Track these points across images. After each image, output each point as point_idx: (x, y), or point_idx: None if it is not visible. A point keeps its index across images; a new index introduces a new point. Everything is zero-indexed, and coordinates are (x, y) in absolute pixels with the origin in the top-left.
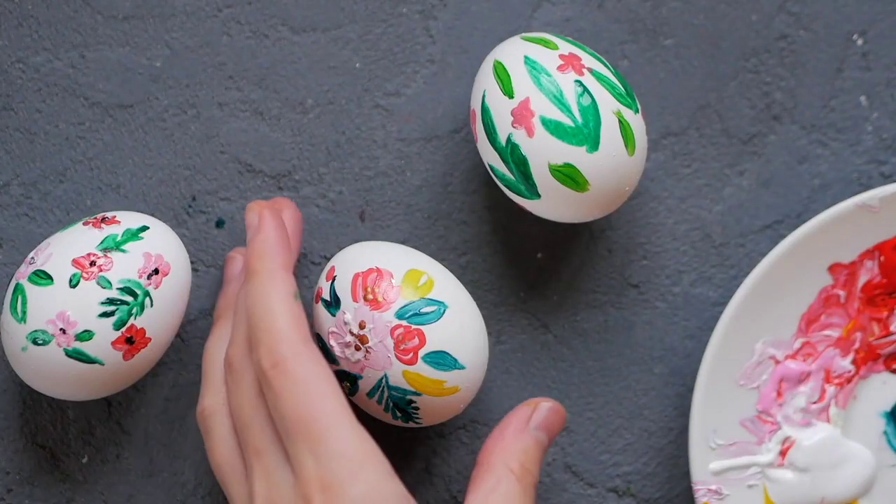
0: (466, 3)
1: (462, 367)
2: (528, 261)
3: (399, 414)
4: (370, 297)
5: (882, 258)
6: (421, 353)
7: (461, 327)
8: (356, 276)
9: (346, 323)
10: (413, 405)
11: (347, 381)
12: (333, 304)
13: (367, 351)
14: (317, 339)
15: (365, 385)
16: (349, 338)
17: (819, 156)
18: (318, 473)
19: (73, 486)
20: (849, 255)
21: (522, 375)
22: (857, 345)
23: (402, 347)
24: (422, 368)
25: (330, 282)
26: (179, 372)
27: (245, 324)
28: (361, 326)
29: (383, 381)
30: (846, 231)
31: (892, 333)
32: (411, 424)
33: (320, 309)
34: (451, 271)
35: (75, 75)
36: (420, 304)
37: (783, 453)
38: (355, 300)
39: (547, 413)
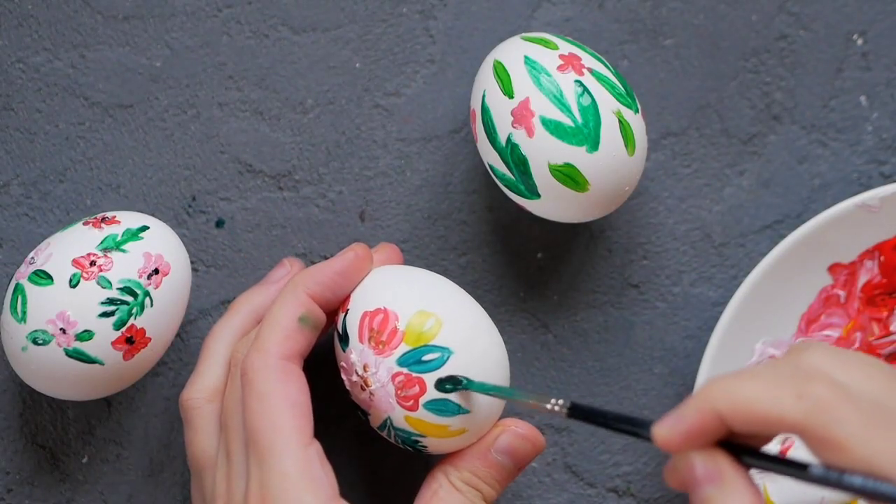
0: (466, 3)
1: (466, 412)
2: (528, 261)
3: (409, 448)
4: (373, 340)
5: (882, 258)
6: (422, 400)
7: (466, 372)
8: (364, 314)
9: (352, 362)
10: (420, 444)
11: (360, 412)
12: (344, 339)
13: (370, 394)
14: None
15: (373, 420)
16: (355, 377)
17: (819, 156)
18: (260, 489)
19: (73, 486)
20: (849, 255)
21: (522, 375)
22: (857, 345)
23: (402, 394)
24: (423, 415)
25: (344, 314)
26: (179, 372)
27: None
28: (365, 369)
29: (388, 421)
30: (846, 231)
31: (892, 333)
32: (424, 453)
33: (336, 341)
34: (451, 271)
35: (75, 75)
36: (422, 352)
37: (783, 453)
38: (361, 341)
39: (513, 438)
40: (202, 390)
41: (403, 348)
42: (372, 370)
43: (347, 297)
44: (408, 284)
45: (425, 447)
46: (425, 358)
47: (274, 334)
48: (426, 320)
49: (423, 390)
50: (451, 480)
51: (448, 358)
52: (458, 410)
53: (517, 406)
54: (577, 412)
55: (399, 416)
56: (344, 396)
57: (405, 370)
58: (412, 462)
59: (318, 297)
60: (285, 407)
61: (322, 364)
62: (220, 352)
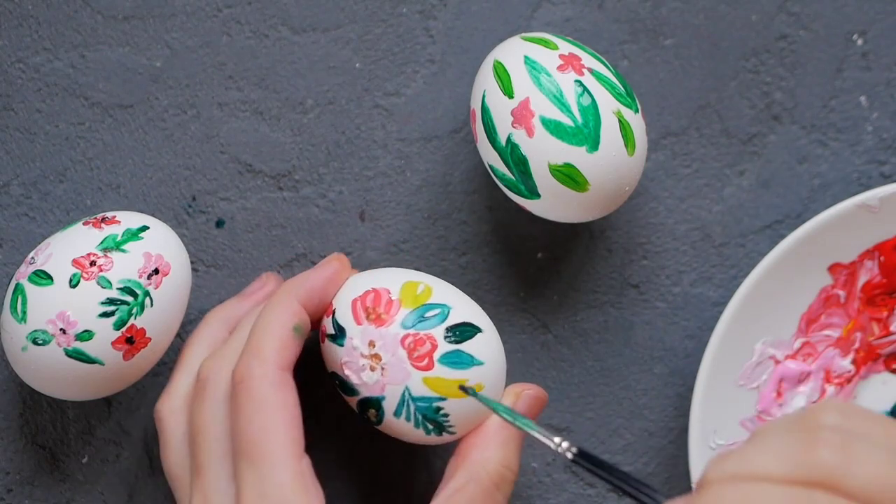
0: (466, 3)
1: (481, 363)
2: (528, 261)
3: (431, 427)
4: (372, 315)
5: (882, 258)
6: (435, 356)
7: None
8: (354, 301)
9: (355, 348)
10: (442, 412)
11: (372, 407)
12: (339, 334)
13: (382, 368)
14: (333, 378)
15: (390, 405)
16: (362, 361)
17: (819, 156)
18: (258, 499)
19: (73, 486)
20: (849, 255)
21: (522, 375)
22: (856, 345)
23: (415, 355)
24: (440, 371)
25: (331, 317)
26: None
27: (238, 339)
28: (371, 346)
29: (406, 394)
30: (846, 231)
31: (892, 333)
32: (446, 437)
33: (328, 346)
34: (451, 271)
35: (75, 75)
36: (423, 311)
37: None
38: (359, 323)
39: (529, 401)
40: (174, 401)
41: (404, 312)
42: (379, 343)
43: (330, 305)
44: (385, 272)
45: (447, 417)
46: (427, 315)
47: (271, 343)
48: (416, 287)
49: (434, 346)
50: (487, 468)
51: (449, 312)
52: (472, 362)
53: (523, 432)
54: (583, 459)
55: (417, 381)
56: (341, 405)
57: (412, 331)
58: (412, 465)
59: (308, 305)
60: (284, 417)
61: (311, 372)
62: (194, 363)
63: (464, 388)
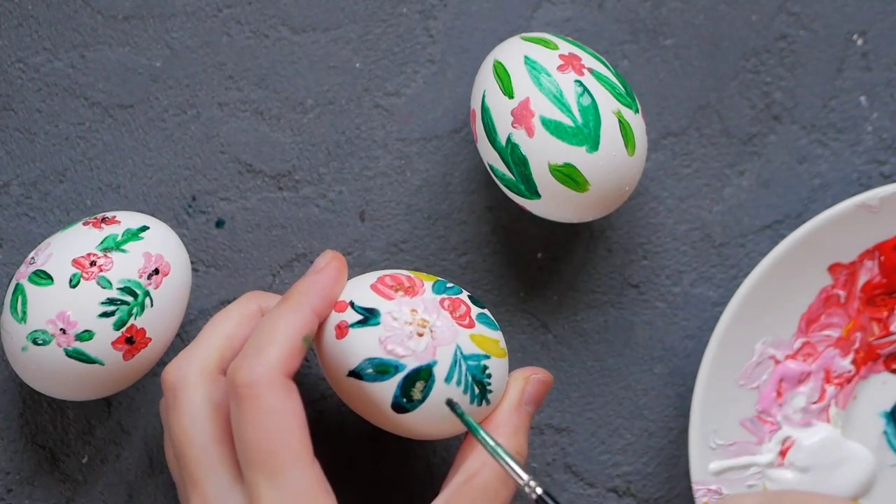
0: (466, 3)
1: (499, 328)
2: (528, 261)
3: (477, 390)
4: (401, 290)
5: (882, 258)
6: (473, 315)
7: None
8: (373, 286)
9: (396, 318)
10: (487, 372)
11: (420, 379)
12: (370, 316)
13: (431, 331)
14: (356, 373)
15: (441, 370)
16: (409, 329)
17: (819, 156)
18: None
19: (73, 486)
20: (849, 255)
21: None
22: (856, 345)
23: (457, 315)
24: (480, 329)
25: (348, 308)
26: None
27: (214, 343)
28: (414, 313)
29: (458, 353)
30: (846, 231)
31: (892, 333)
32: (483, 406)
33: (353, 336)
34: (451, 271)
35: (75, 75)
36: (442, 283)
37: (783, 453)
38: (391, 298)
39: (538, 385)
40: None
41: (429, 284)
42: (421, 308)
43: (340, 301)
44: (375, 273)
45: (490, 378)
46: (447, 286)
47: (279, 350)
48: (420, 274)
49: (468, 307)
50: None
51: (460, 289)
52: (495, 325)
53: (490, 454)
54: (549, 498)
55: (465, 338)
56: (333, 411)
57: (444, 295)
58: (412, 465)
59: (321, 314)
60: (295, 425)
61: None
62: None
63: (450, 403)
